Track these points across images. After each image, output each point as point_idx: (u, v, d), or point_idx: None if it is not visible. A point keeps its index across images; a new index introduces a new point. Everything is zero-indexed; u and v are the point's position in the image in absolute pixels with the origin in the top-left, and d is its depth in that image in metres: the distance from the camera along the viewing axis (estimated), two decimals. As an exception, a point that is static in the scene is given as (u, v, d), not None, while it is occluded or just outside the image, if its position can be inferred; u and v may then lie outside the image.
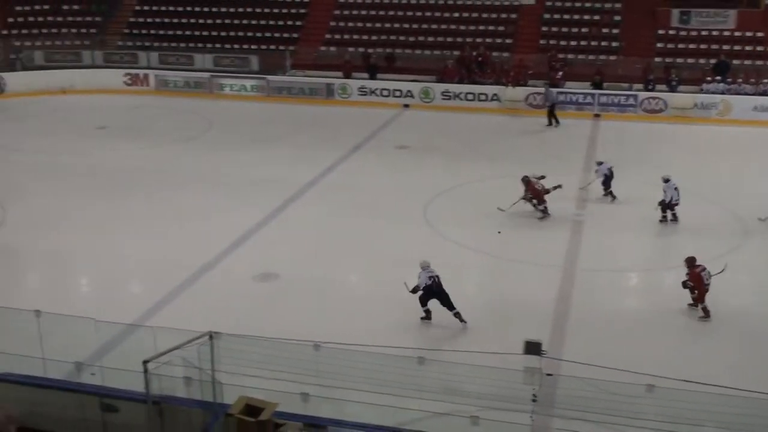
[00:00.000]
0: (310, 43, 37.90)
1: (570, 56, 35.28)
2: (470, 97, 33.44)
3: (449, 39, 36.85)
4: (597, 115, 32.21)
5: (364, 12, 38.59)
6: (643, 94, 32.20)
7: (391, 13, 38.26)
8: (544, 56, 34.97)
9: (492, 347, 12.33)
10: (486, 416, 10.13)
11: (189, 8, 40.06)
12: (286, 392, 10.55)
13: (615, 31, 35.86)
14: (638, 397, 10.24)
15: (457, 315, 14.98)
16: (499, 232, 19.71)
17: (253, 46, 38.09)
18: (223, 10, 39.60)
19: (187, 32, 39.27)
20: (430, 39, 37.06)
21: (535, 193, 20.35)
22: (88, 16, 40.52)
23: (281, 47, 37.83)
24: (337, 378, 11.49)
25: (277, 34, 38.44)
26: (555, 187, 20.70)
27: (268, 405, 10.08)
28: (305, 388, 10.78)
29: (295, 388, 10.78)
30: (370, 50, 36.77)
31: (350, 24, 38.40)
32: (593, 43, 35.68)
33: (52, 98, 35.37)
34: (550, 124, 30.79)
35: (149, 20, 40.02)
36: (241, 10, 39.45)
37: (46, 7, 40.37)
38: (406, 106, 33.91)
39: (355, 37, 37.83)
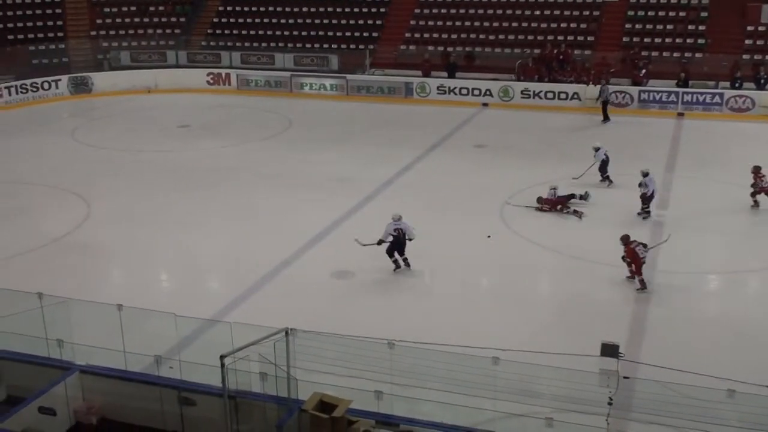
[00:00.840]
0: (390, 42, 38.01)
1: (654, 54, 34.52)
2: (550, 95, 33.03)
3: (529, 37, 36.47)
4: (680, 114, 31.43)
5: (444, 11, 38.50)
6: (729, 93, 31.29)
7: (471, 11, 38.09)
8: (627, 54, 34.29)
9: (567, 349, 12.18)
10: (561, 418, 10.02)
11: (270, 8, 40.68)
12: (359, 389, 10.62)
13: (701, 27, 34.92)
14: (719, 402, 9.97)
15: (405, 260, 17.33)
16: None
17: (333, 46, 38.43)
18: (304, 9, 40.06)
19: (269, 32, 39.86)
20: (510, 37, 36.73)
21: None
22: (172, 17, 41.55)
23: (361, 46, 38.05)
24: (410, 376, 11.53)
25: (357, 34, 38.68)
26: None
27: (341, 402, 10.18)
28: (379, 386, 10.83)
29: (369, 385, 10.85)
30: (449, 49, 36.68)
31: (430, 23, 38.37)
32: (678, 40, 34.83)
33: (137, 97, 36.38)
34: (605, 120, 30.58)
35: (232, 20, 40.78)
36: (321, 9, 39.84)
37: (132, 8, 41.53)
38: (485, 105, 33.70)
39: (435, 36, 37.77)
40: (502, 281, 17.33)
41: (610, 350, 11.26)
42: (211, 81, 37.67)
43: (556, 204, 20.86)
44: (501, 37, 36.81)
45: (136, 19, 41.23)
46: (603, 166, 22.80)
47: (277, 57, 37.93)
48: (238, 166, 25.46)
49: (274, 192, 22.90)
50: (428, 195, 22.44)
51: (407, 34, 38.19)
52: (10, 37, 38.55)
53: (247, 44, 39.20)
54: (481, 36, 37.16)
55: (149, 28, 40.85)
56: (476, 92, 33.99)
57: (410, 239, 17.31)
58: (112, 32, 40.52)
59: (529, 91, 33.37)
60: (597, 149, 22.98)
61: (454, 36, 37.52)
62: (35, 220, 21.15)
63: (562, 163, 25.16)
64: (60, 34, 39.76)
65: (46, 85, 35.79)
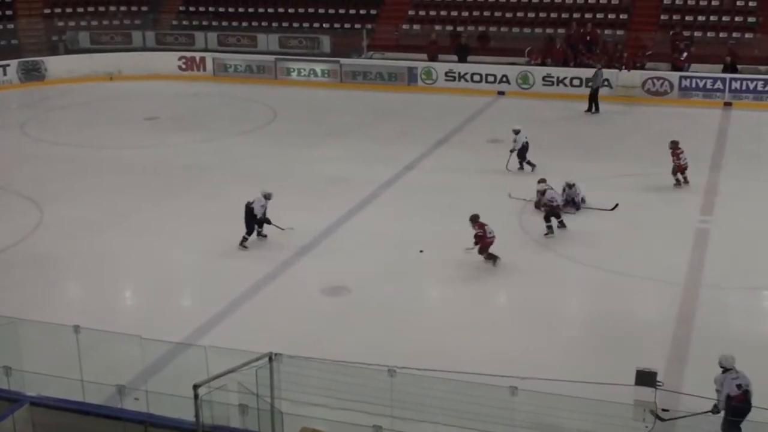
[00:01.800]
0: (391, 21, 38.09)
1: (697, 34, 34.55)
2: (576, 82, 33.07)
3: (552, 15, 36.53)
4: (728, 104, 31.45)
5: (452, -16, 38.62)
6: (785, 79, 31.38)
7: (484, -16, 38.21)
8: (665, 34, 34.32)
9: (597, 376, 12.15)
10: (589, 458, 10.01)
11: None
12: (355, 424, 10.61)
13: (751, 3, 34.95)
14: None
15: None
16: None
17: (324, 25, 38.50)
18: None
19: (250, 10, 39.96)
20: (530, 15, 36.80)
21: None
22: (138, -8, 41.60)
23: (357, 26, 38.13)
24: (414, 408, 11.51)
25: (352, 11, 38.76)
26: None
27: (333, 438, 10.17)
28: (378, 419, 10.80)
29: (367, 419, 10.82)
30: (459, 29, 36.73)
31: (436, -2, 38.46)
32: (725, 18, 34.87)
33: (98, 85, 36.44)
34: (589, 110, 30.86)
35: (207, -4, 40.83)
36: (310, -17, 39.92)
37: (93, -18, 41.60)
38: (501, 93, 33.75)
39: (443, 13, 37.84)
40: (520, 297, 17.31)
41: (646, 378, 11.26)
42: (184, 66, 37.75)
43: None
44: (519, 15, 36.88)
45: (97, -5, 41.33)
46: (522, 152, 24.07)
47: (260, 38, 38.02)
48: (214, 165, 25.45)
49: (256, 194, 22.83)
50: (434, 198, 22.43)
51: (411, 12, 38.28)
52: (-47, 16, 38.69)
53: (224, 23, 39.36)
54: (497, 14, 37.24)
55: (111, 5, 40.94)
56: (491, 79, 34.04)
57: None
58: (68, 10, 40.57)
59: (552, 77, 33.42)
60: (516, 132, 24.06)
61: (465, 14, 37.59)
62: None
63: (586, 159, 25.20)
64: (9, 12, 39.80)
65: (-8, 71, 35.94)
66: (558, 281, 17.82)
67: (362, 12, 38.66)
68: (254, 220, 19.40)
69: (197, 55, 37.80)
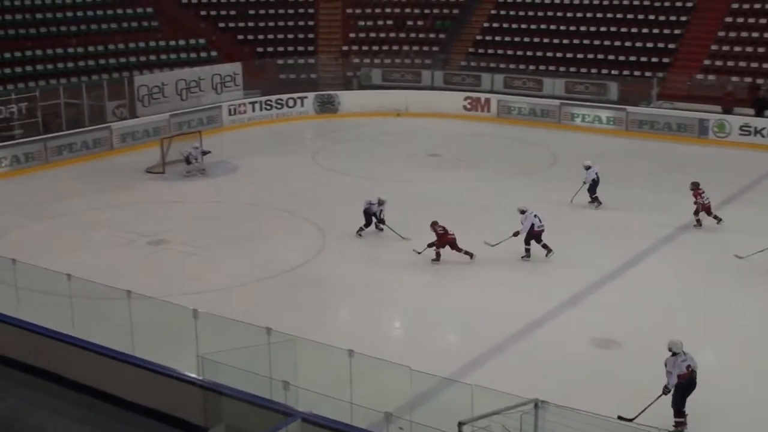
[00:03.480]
0: (684, 70, 36.81)
1: None
2: None
3: None
4: None
5: (755, 34, 36.79)
6: None
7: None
8: None
9: None
10: None
11: (543, 26, 40.86)
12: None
13: None
14: None
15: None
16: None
17: (612, 71, 37.88)
18: (582, 29, 39.88)
19: (538, 53, 40.07)
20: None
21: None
22: (431, 33, 42.93)
23: (647, 73, 37.22)
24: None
25: (643, 58, 37.87)
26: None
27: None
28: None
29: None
30: (758, 81, 34.91)
31: (736, 48, 36.77)
32: None
33: (386, 120, 37.83)
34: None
35: (497, 38, 41.39)
36: (602, 29, 39.46)
37: (389, 22, 43.43)
38: (800, 151, 31.74)
39: (741, 64, 36.12)
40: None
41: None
42: (469, 106, 38.41)
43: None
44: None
45: (392, 35, 43.06)
46: (593, 187, 24.98)
47: (546, 82, 37.98)
48: (489, 204, 25.65)
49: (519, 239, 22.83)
50: (717, 257, 21.32)
51: (706, 61, 36.83)
52: (260, 49, 41.66)
53: (512, 66, 39.64)
54: (801, 67, 35.05)
55: (405, 44, 42.46)
56: (791, 135, 32.10)
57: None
58: (365, 48, 42.56)
59: None
60: (587, 168, 25.08)
61: (766, 65, 35.65)
62: (268, 247, 22.57)
63: None
64: (311, 48, 42.35)
65: (291, 103, 38.27)
66: None
67: (654, 60, 37.68)
68: (371, 219, 22.66)
69: (482, 96, 38.32)
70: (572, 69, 38.70)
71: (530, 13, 41.58)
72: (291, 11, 43.66)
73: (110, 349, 12.93)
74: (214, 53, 40.05)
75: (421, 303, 18.99)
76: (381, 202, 22.88)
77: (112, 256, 21.94)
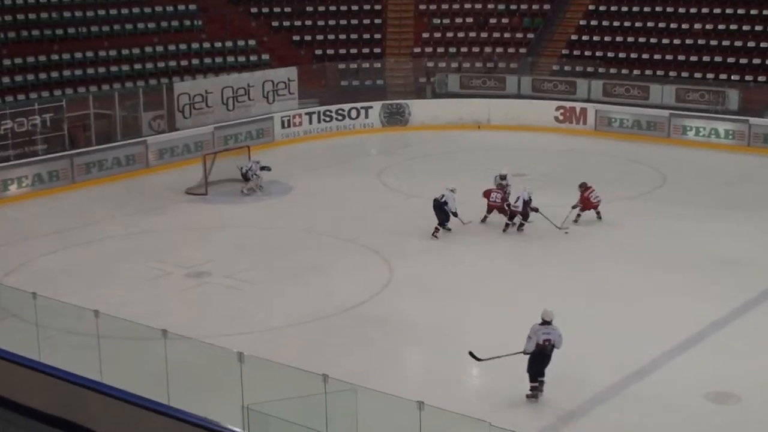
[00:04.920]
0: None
1: None
2: None
3: None
4: None
5: None
6: None
7: None
8: None
9: None
10: None
11: (650, 24, 40.51)
12: None
13: None
14: None
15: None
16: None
17: (732, 77, 37.45)
18: (696, 26, 39.49)
19: (644, 55, 39.78)
20: None
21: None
22: (518, 33, 42.87)
23: (774, 78, 36.80)
24: None
25: (769, 61, 37.46)
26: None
27: None
28: None
29: None
30: None
31: None
32: None
33: (464, 133, 37.95)
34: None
35: (595, 39, 41.20)
36: (721, 27, 39.01)
37: (468, 20, 43.44)
38: None
39: None
40: None
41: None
42: (561, 117, 38.31)
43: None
44: None
45: (472, 34, 43.07)
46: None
47: (653, 89, 37.67)
48: (584, 233, 25.50)
49: (627, 271, 22.64)
50: None
51: None
52: (318, 52, 41.96)
53: (613, 71, 39.44)
54: None
55: (487, 45, 42.45)
56: None
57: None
58: (440, 50, 42.65)
59: None
60: (503, 177, 27.34)
61: None
62: (325, 281, 22.68)
63: None
64: (377, 50, 42.60)
65: (354, 113, 38.56)
66: None
67: (783, 63, 37.22)
68: (444, 213, 25.15)
69: (578, 105, 38.19)
70: (684, 74, 38.41)
71: (635, 9, 41.24)
72: (355, 8, 43.89)
73: (142, 397, 13.07)
74: (265, 56, 40.58)
75: (504, 345, 18.87)
76: (453, 190, 25.47)
77: (145, 289, 22.28)
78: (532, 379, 16.63)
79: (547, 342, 16.48)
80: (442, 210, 25.30)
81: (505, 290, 21.75)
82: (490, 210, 26.39)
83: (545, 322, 16.60)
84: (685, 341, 18.90)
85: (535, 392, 16.63)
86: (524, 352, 16.57)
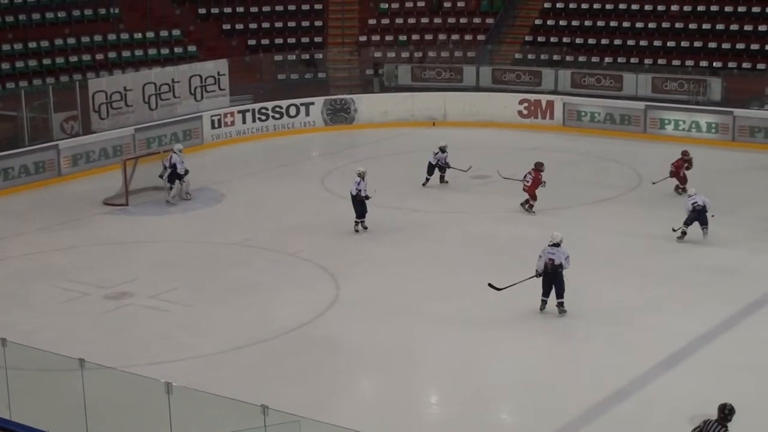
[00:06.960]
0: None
1: None
2: None
3: None
4: None
5: None
6: None
7: None
8: None
9: None
10: None
11: (622, 5, 40.80)
12: None
13: None
14: None
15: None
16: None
17: (714, 64, 37.84)
18: (674, 8, 39.82)
19: (615, 41, 40.10)
20: None
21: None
22: (475, 17, 43.05)
23: (759, 66, 37.19)
24: None
25: (754, 46, 37.85)
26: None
27: None
28: None
29: None
30: None
31: None
32: None
33: (417, 131, 38.08)
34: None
35: (561, 24, 41.44)
36: (701, 8, 39.33)
37: (420, 4, 43.48)
38: None
39: None
40: None
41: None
42: (525, 112, 38.55)
43: None
44: None
45: (424, 20, 43.18)
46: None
47: (627, 79, 38.02)
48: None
49: (604, 283, 22.83)
50: None
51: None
52: (252, 42, 41.91)
53: (582, 59, 39.71)
54: None
55: (440, 32, 42.54)
56: None
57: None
58: (388, 38, 42.66)
59: None
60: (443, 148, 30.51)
61: None
62: (261, 301, 22.60)
63: None
64: (318, 39, 42.57)
65: (293, 111, 38.59)
66: None
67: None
68: (362, 206, 26.56)
69: (544, 98, 38.45)
70: (661, 61, 38.78)
71: (605, -10, 41.66)
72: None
73: (57, 435, 13.00)
74: (192, 48, 40.50)
75: (465, 371, 18.95)
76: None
77: (59, 314, 22.06)
78: (544, 293, 20.90)
79: (550, 261, 20.55)
80: (362, 203, 26.51)
81: (463, 307, 21.79)
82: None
83: (555, 245, 20.68)
84: (671, 356, 19.10)
85: (543, 306, 20.91)
86: (536, 273, 20.85)
